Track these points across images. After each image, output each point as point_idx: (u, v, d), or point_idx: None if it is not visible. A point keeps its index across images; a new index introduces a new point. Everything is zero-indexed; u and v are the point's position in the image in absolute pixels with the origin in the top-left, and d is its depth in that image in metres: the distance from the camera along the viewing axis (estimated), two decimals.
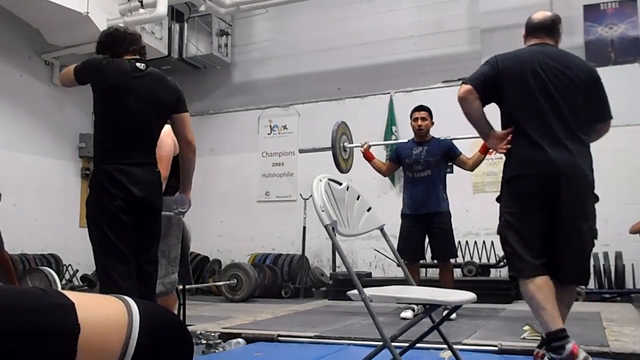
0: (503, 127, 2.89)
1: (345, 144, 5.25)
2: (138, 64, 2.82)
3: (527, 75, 2.78)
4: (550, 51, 2.87)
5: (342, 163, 5.18)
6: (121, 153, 2.72)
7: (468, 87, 2.83)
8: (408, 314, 4.49)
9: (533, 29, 2.95)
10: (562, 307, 2.63)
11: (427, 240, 4.91)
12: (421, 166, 4.75)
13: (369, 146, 5.06)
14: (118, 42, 2.88)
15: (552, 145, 2.69)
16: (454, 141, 4.94)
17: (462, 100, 2.84)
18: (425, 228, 4.78)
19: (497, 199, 2.89)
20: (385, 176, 5.16)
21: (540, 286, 2.58)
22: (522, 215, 2.71)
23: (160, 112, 2.86)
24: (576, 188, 2.67)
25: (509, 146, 2.80)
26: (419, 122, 4.83)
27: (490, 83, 2.84)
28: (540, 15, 2.96)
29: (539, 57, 2.81)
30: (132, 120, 2.75)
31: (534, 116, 2.76)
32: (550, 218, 2.67)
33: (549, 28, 2.92)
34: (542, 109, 2.75)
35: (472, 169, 4.90)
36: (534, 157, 2.71)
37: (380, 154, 7.51)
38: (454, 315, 4.76)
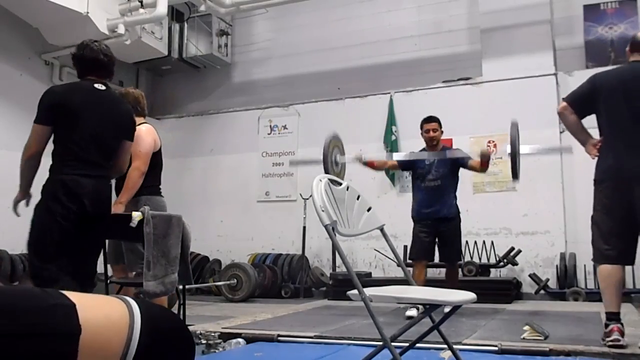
0: (600, 136, 3.24)
1: (337, 156, 5.06)
2: (96, 85, 3.00)
3: (617, 91, 3.14)
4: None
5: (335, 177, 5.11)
6: (78, 165, 2.88)
7: (564, 103, 3.30)
8: (413, 312, 4.49)
9: (637, 46, 3.26)
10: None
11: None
12: (432, 176, 4.88)
13: (364, 161, 4.82)
14: (91, 60, 3.03)
15: (632, 155, 3.08)
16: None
17: (560, 114, 3.35)
18: (435, 232, 4.92)
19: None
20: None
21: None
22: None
23: (116, 129, 3.03)
24: None
25: (597, 154, 3.22)
26: (431, 133, 4.94)
27: (586, 100, 3.26)
28: None
29: (633, 74, 3.16)
30: (89, 136, 2.91)
31: (619, 129, 3.16)
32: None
33: None
34: (626, 122, 3.12)
35: (482, 172, 5.11)
36: (612, 164, 3.14)
37: (381, 150, 7.52)
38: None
